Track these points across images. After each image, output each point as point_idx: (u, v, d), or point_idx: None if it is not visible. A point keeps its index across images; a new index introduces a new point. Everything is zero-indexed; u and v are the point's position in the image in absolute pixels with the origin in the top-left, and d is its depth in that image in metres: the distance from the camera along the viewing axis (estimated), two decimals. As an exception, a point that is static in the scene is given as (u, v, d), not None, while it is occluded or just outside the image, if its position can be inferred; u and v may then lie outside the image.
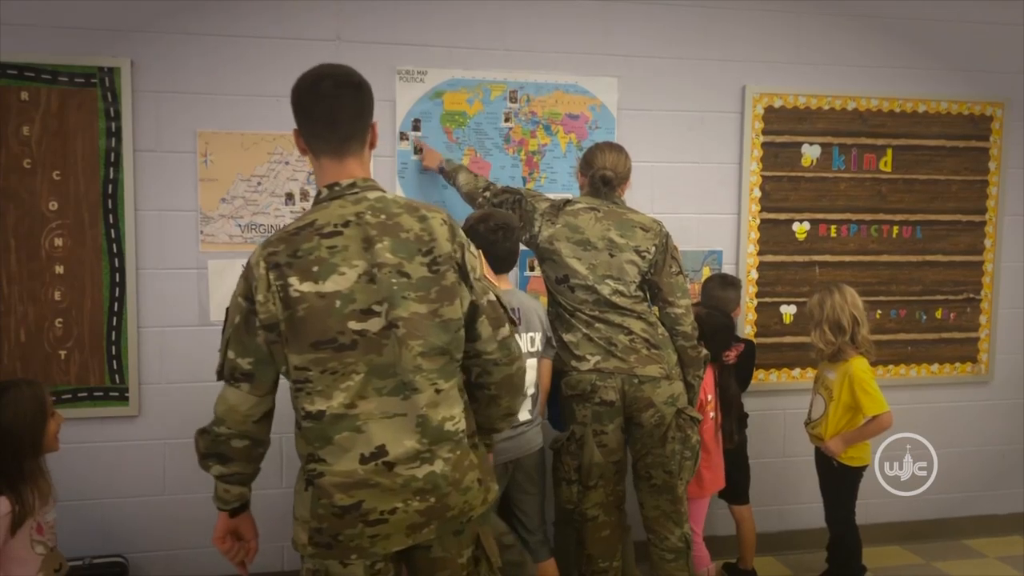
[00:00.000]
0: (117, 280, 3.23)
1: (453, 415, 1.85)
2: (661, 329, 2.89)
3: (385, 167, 3.45)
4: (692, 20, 3.69)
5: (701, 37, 3.71)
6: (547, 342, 2.90)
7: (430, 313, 1.80)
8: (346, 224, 1.79)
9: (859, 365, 3.18)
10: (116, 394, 3.25)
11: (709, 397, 3.20)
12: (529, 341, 2.82)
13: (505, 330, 1.94)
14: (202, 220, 3.29)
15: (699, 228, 3.79)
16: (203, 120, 3.28)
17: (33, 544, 2.25)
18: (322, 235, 1.77)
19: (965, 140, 4.00)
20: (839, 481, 3.29)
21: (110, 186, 3.20)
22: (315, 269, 1.75)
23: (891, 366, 4.02)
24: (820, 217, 3.88)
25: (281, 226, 3.35)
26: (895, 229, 3.96)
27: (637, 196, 3.68)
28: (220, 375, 1.85)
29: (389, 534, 1.79)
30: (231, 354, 1.80)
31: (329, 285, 1.75)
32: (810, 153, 3.85)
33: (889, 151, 3.92)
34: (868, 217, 3.93)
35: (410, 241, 1.82)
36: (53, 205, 3.17)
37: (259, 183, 3.34)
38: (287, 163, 3.34)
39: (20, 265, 3.15)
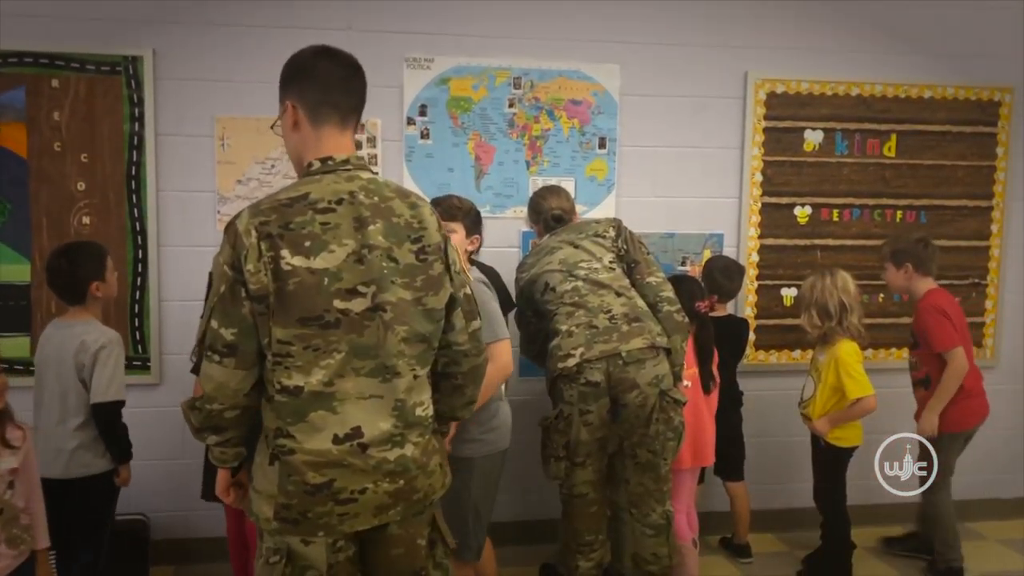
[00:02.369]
0: (140, 256, 3.45)
1: (423, 401, 1.89)
2: (641, 302, 2.97)
3: (392, 151, 3.61)
4: (694, 6, 3.78)
5: (703, 23, 3.79)
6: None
7: (414, 300, 1.83)
8: (339, 201, 1.78)
9: (846, 348, 3.25)
10: (139, 363, 3.48)
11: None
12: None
13: (476, 323, 2.00)
14: (219, 201, 3.49)
15: (700, 211, 3.87)
16: (220, 106, 3.47)
17: None
18: (316, 210, 1.76)
19: (972, 125, 4.02)
20: (827, 460, 3.37)
21: (134, 168, 3.41)
22: (307, 244, 1.74)
23: (894, 350, 4.06)
24: (822, 201, 3.94)
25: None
26: (899, 214, 4.00)
27: (639, 180, 3.79)
28: (201, 344, 1.80)
29: (357, 513, 1.80)
30: (214, 323, 1.76)
31: (319, 262, 1.74)
32: (812, 138, 3.90)
33: (893, 136, 3.96)
34: (871, 202, 3.97)
35: (400, 227, 1.83)
36: (81, 186, 3.39)
37: (273, 166, 3.52)
38: (299, 147, 3.51)
39: (51, 241, 3.36)
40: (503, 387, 2.85)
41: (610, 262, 3.03)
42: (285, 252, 1.73)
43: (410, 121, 3.61)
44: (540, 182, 3.70)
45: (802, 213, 3.93)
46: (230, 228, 1.77)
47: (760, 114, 3.85)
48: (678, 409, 2.93)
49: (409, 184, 3.60)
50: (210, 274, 1.83)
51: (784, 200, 3.91)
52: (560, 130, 3.73)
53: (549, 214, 3.22)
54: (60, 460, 2.75)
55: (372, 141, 3.58)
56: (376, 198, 1.83)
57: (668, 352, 2.94)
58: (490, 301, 2.69)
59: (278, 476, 1.80)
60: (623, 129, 3.77)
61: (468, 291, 1.99)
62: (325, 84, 1.86)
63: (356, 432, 1.79)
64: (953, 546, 3.49)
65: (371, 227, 1.80)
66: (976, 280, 4.09)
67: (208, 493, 3.05)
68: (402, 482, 1.84)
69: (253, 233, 1.74)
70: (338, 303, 1.76)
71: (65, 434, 2.76)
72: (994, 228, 4.08)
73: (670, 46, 3.78)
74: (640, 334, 2.88)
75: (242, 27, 3.47)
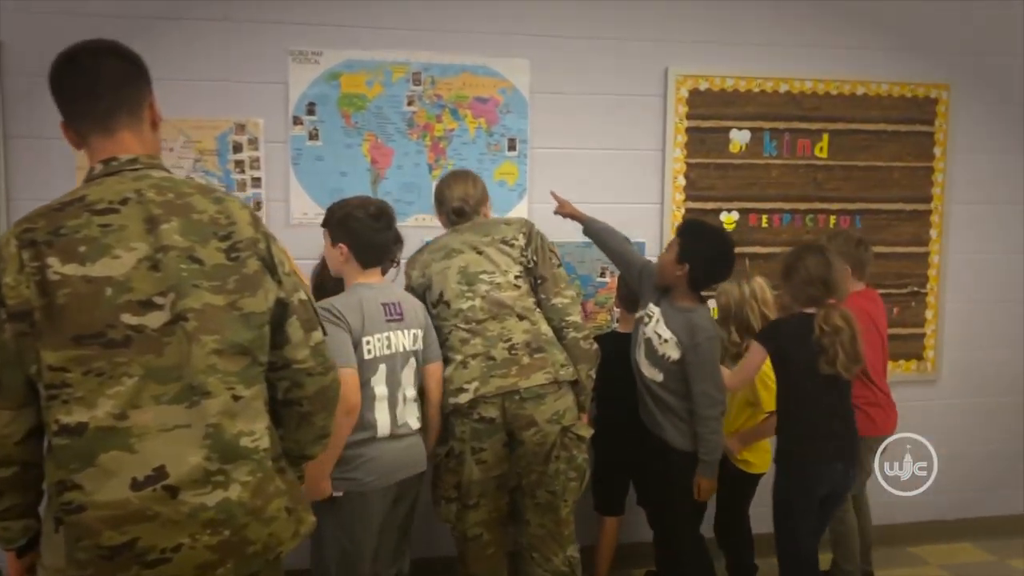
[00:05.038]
0: (-12, 273, 3.07)
1: (253, 431, 1.58)
2: (545, 328, 2.69)
3: (277, 153, 3.28)
4: (610, -3, 3.50)
5: (620, 15, 3.51)
6: (433, 343, 2.70)
7: (228, 305, 1.57)
8: (124, 201, 1.55)
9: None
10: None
11: None
12: (412, 338, 2.61)
13: (318, 335, 1.71)
14: (81, 210, 3.13)
15: (620, 218, 3.52)
16: (80, 105, 3.11)
17: None
18: (93, 211, 1.52)
19: (908, 124, 3.78)
20: (733, 489, 3.10)
21: (-21, 174, 3.05)
22: (82, 249, 1.50)
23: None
24: (750, 206, 3.68)
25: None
26: (832, 219, 3.75)
27: (553, 185, 3.49)
28: None
29: None
30: None
31: (99, 269, 1.49)
32: (739, 138, 3.64)
33: (825, 136, 3.71)
34: (802, 206, 3.72)
35: (204, 223, 1.59)
36: (-83, 194, 3.02)
37: (142, 171, 3.17)
38: (171, 149, 3.17)
39: None
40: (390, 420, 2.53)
41: (515, 277, 2.73)
42: (53, 260, 1.48)
43: (297, 121, 3.28)
44: (443, 187, 3.40)
45: (728, 219, 3.67)
46: None
47: (682, 113, 3.57)
48: (581, 446, 2.66)
49: (297, 191, 3.28)
50: None
51: (709, 205, 3.64)
52: (465, 130, 3.42)
53: (451, 207, 2.87)
54: None
55: (254, 143, 3.24)
56: (171, 195, 1.58)
57: (574, 383, 2.67)
58: (330, 326, 2.34)
59: (65, 544, 1.47)
60: (534, 129, 3.47)
61: (303, 296, 1.70)
62: (71, 95, 1.64)
63: (160, 473, 1.48)
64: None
65: (165, 226, 1.54)
66: (915, 288, 3.85)
67: None
68: (227, 532, 1.52)
69: (13, 243, 1.50)
70: (128, 318, 1.49)
71: None
72: (933, 233, 3.85)
73: (584, 39, 3.48)
74: (542, 367, 2.61)
75: (104, 17, 3.10)
